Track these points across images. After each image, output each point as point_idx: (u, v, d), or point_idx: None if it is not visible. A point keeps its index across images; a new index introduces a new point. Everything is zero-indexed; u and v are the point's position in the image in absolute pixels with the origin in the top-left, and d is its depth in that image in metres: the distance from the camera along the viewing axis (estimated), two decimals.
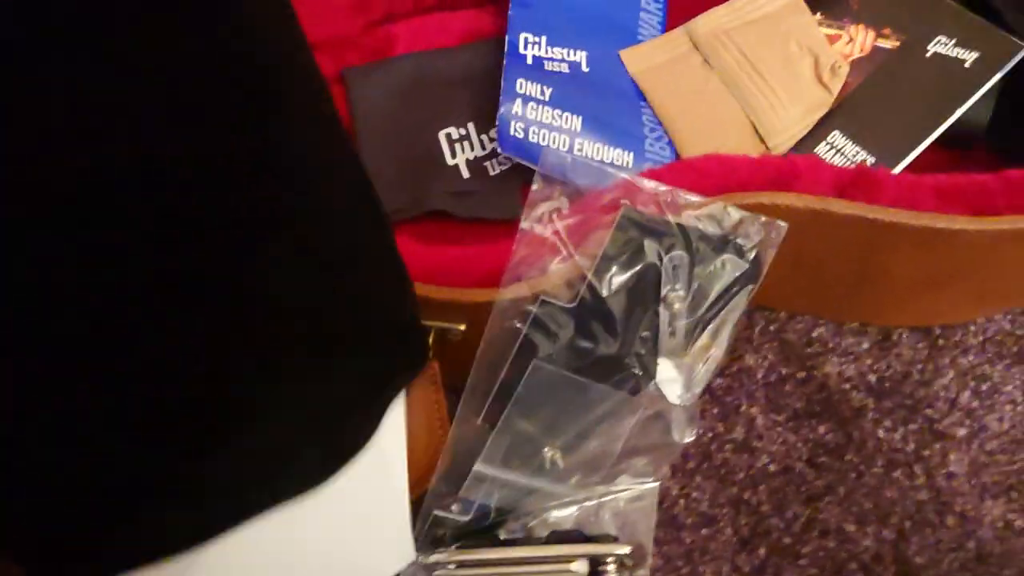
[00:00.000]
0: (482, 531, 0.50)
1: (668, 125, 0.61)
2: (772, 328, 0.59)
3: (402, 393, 0.42)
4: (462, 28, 0.65)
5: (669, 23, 0.67)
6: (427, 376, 0.49)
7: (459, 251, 0.52)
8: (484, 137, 0.60)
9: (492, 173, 0.59)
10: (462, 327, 0.48)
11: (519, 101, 0.57)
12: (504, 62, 0.59)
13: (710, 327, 0.48)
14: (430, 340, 0.48)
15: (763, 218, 0.46)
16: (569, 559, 0.48)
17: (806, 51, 0.60)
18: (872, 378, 0.57)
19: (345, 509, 0.39)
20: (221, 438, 0.32)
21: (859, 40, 0.61)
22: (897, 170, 0.54)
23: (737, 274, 0.47)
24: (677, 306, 0.46)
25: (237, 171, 0.30)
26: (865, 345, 0.58)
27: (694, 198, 0.46)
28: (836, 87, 0.59)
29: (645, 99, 0.62)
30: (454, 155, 0.59)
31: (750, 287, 0.47)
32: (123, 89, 0.26)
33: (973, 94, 0.54)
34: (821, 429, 0.55)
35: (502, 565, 0.48)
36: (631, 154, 0.59)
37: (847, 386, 0.57)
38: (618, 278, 0.45)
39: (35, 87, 0.25)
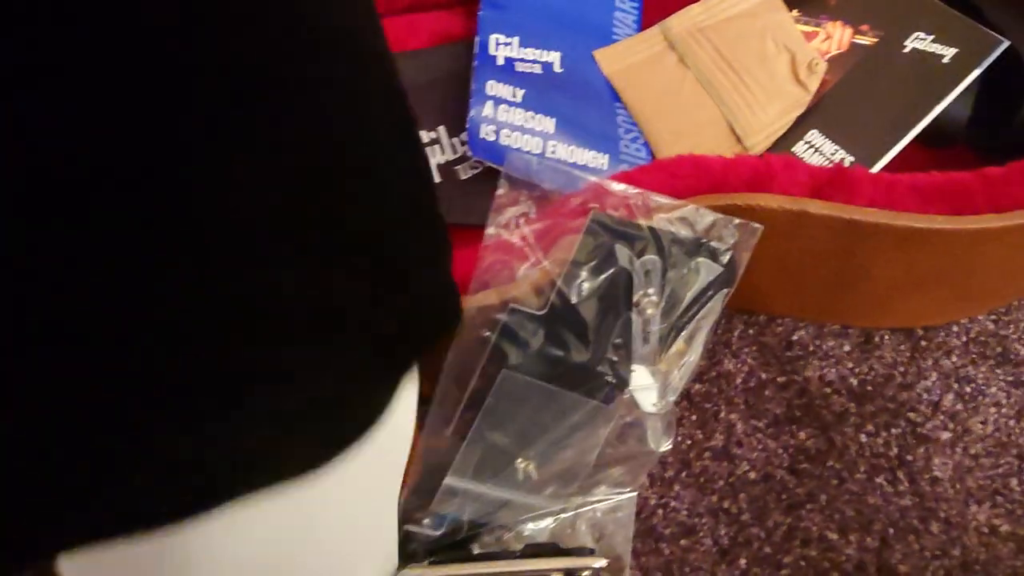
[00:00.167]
0: (455, 545, 0.49)
1: (644, 126, 0.60)
2: (751, 331, 0.57)
3: (414, 379, 0.39)
4: (432, 30, 0.64)
5: (645, 22, 0.66)
6: None
7: None
8: (455, 140, 0.59)
9: (463, 177, 0.58)
10: None
11: (490, 103, 0.56)
12: (474, 64, 0.57)
13: (684, 332, 0.47)
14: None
15: (737, 220, 0.45)
16: (544, 573, 0.47)
17: (783, 49, 0.59)
18: (854, 381, 0.56)
19: (341, 500, 0.37)
20: (216, 410, 0.30)
21: (836, 37, 0.59)
22: (876, 168, 0.53)
23: (711, 278, 0.46)
24: (650, 311, 0.45)
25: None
26: (846, 348, 0.57)
27: (666, 200, 0.45)
28: (813, 85, 0.57)
29: (620, 99, 0.61)
30: None
31: (725, 291, 0.46)
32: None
33: (952, 90, 0.53)
34: (802, 435, 0.54)
35: None
36: (606, 156, 0.57)
37: (828, 390, 0.55)
38: (588, 284, 0.44)
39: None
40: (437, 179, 0.57)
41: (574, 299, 0.44)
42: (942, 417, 0.55)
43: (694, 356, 0.47)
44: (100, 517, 0.30)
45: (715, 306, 0.46)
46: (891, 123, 0.54)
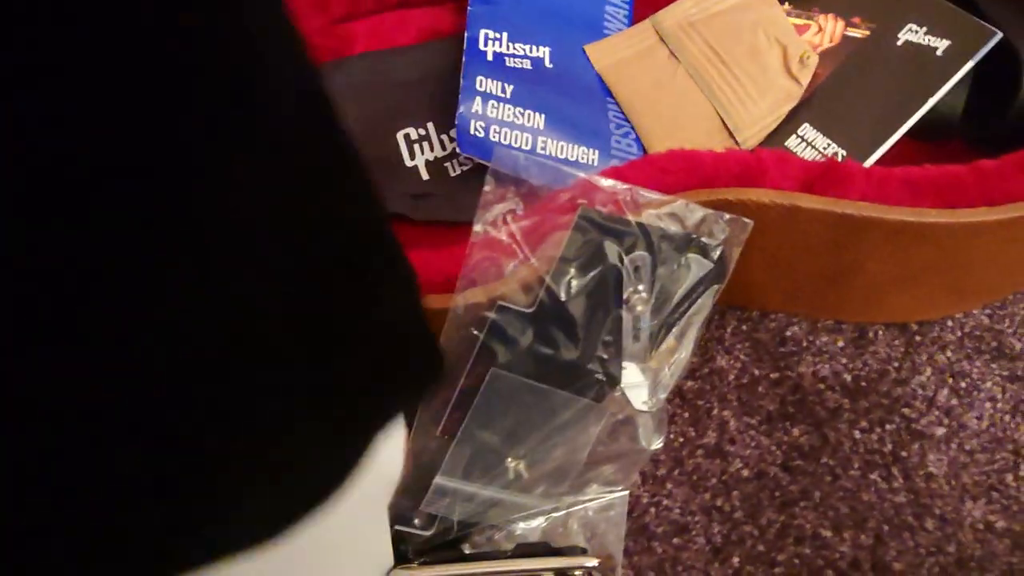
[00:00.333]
0: (446, 545, 0.48)
1: (635, 121, 0.59)
2: (744, 328, 0.57)
3: (400, 424, 0.38)
4: (421, 26, 0.63)
5: (636, 16, 0.65)
6: None
7: (417, 256, 0.50)
8: (444, 137, 0.58)
9: (453, 174, 0.57)
10: None
11: (479, 99, 0.55)
12: (463, 59, 0.57)
13: (675, 329, 0.46)
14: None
15: (727, 216, 0.45)
16: (536, 573, 0.47)
17: (774, 42, 0.58)
18: (847, 377, 0.55)
19: (326, 544, 0.36)
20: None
21: (828, 30, 0.59)
22: (869, 162, 0.52)
23: (702, 274, 0.45)
24: (640, 308, 0.45)
25: None
26: (840, 343, 0.56)
27: (655, 196, 0.44)
28: (805, 78, 0.57)
29: (611, 94, 0.60)
30: (413, 156, 0.58)
31: (716, 287, 0.46)
32: None
33: (945, 83, 0.52)
34: (796, 431, 0.53)
35: None
36: (596, 151, 0.57)
37: (822, 386, 0.55)
38: (577, 281, 0.44)
39: None
40: (426, 176, 0.57)
41: (563, 296, 0.43)
42: (937, 413, 0.54)
43: (685, 353, 0.46)
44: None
45: (706, 302, 0.46)
46: (884, 116, 0.53)
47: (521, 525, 0.49)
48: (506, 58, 0.59)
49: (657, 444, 0.48)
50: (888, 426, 0.54)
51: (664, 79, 0.60)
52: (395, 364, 0.36)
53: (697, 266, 0.45)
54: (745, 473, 0.52)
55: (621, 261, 0.44)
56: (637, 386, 0.46)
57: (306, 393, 0.31)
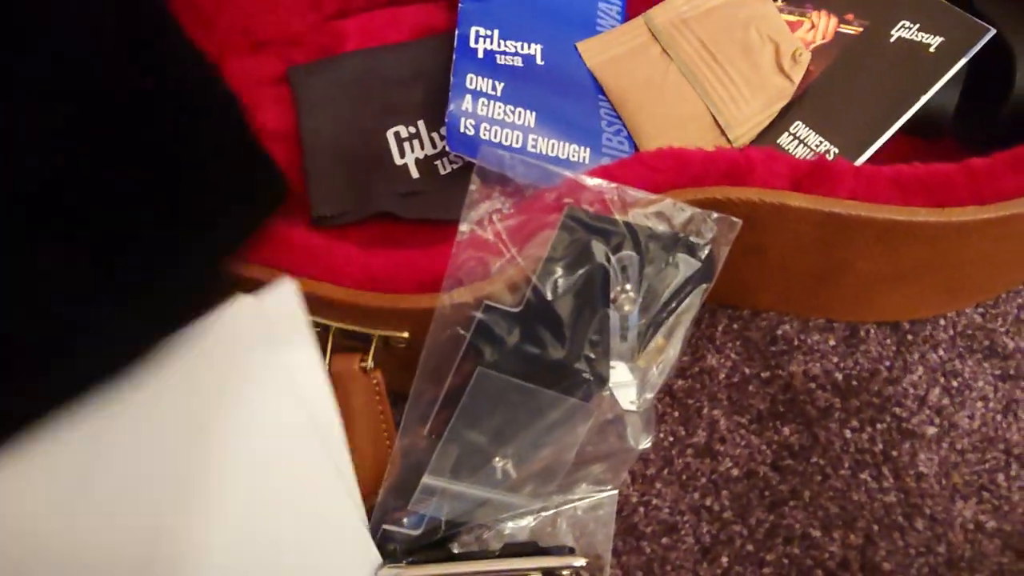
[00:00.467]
0: (434, 545, 0.48)
1: (627, 118, 0.59)
2: (735, 326, 0.57)
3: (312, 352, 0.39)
4: (413, 23, 0.63)
5: (630, 13, 0.65)
6: (370, 386, 0.47)
7: (406, 255, 0.49)
8: (435, 135, 0.58)
9: (443, 172, 0.57)
10: (405, 335, 0.46)
11: (469, 97, 0.55)
12: (454, 57, 0.57)
13: (663, 328, 0.46)
14: (373, 343, 0.46)
15: (715, 214, 0.44)
16: (524, 572, 0.47)
17: (766, 39, 0.58)
18: (839, 376, 0.55)
19: (290, 501, 0.37)
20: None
21: (821, 26, 0.59)
22: (861, 160, 0.52)
23: (690, 273, 0.45)
24: (627, 308, 0.44)
25: None
26: (831, 342, 0.56)
27: (642, 195, 0.44)
28: (798, 76, 0.57)
29: (603, 92, 0.60)
30: (403, 154, 0.57)
31: (704, 286, 0.45)
32: None
33: (938, 80, 0.52)
34: (786, 431, 0.53)
35: None
36: (588, 149, 0.57)
37: (813, 385, 0.55)
38: (564, 280, 0.43)
39: None
40: (416, 174, 0.57)
41: (550, 296, 0.43)
42: (928, 412, 0.54)
43: (673, 352, 0.46)
44: None
45: (694, 301, 0.46)
46: (877, 114, 0.53)
47: (509, 524, 0.49)
48: (497, 55, 0.58)
49: (645, 444, 0.47)
50: (879, 425, 0.54)
51: (656, 76, 0.59)
52: (230, 179, 0.38)
53: (685, 265, 0.45)
54: (735, 472, 0.52)
55: (608, 260, 0.44)
56: (625, 385, 0.46)
57: (149, 204, 0.33)
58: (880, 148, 0.52)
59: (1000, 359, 0.56)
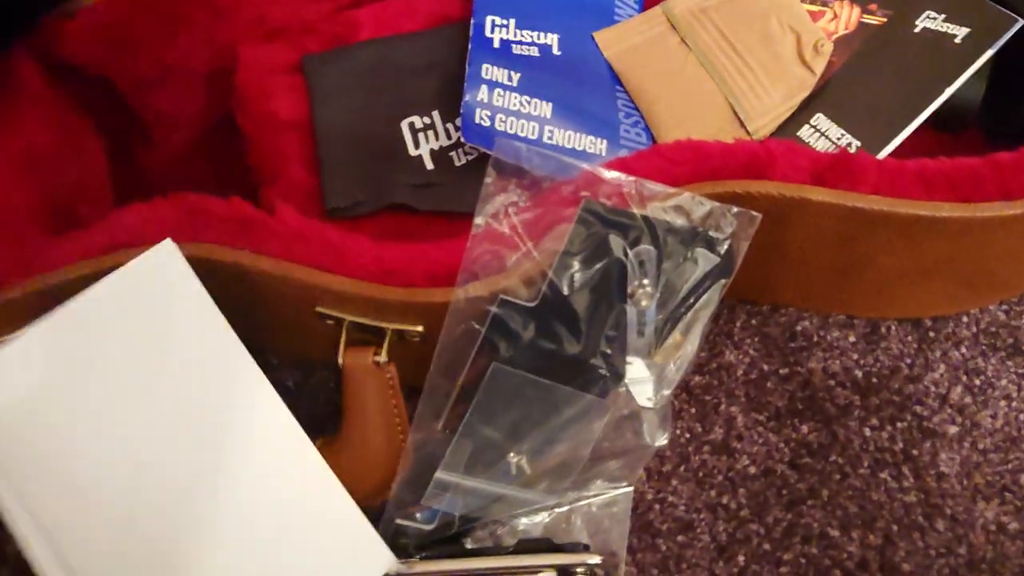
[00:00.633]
0: (447, 540, 0.48)
1: (644, 110, 0.58)
2: (754, 322, 0.56)
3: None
4: (428, 12, 0.62)
5: (648, 2, 0.64)
6: (384, 380, 0.47)
7: (420, 248, 0.49)
8: (450, 126, 0.57)
9: (458, 164, 0.56)
10: (419, 328, 0.45)
11: (484, 87, 0.54)
12: (469, 46, 0.56)
13: (681, 324, 0.45)
14: (387, 337, 0.45)
15: (735, 209, 0.44)
16: (538, 569, 0.46)
17: (787, 29, 0.57)
18: (858, 373, 0.54)
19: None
20: None
21: (844, 16, 0.58)
22: (884, 153, 0.51)
23: (708, 268, 0.44)
24: (645, 303, 0.44)
25: None
26: (852, 338, 0.55)
27: (660, 188, 0.43)
28: (819, 67, 0.56)
29: (620, 82, 0.59)
30: (417, 145, 0.57)
31: (723, 281, 0.45)
32: None
33: (964, 72, 0.51)
34: (804, 428, 0.53)
35: None
36: (605, 141, 0.56)
37: (832, 382, 0.54)
38: (581, 275, 0.43)
39: None
40: (430, 166, 0.56)
41: (566, 290, 0.43)
42: (950, 410, 0.53)
43: (691, 348, 0.46)
44: None
45: (712, 297, 0.45)
46: (900, 106, 0.52)
47: (524, 521, 0.49)
48: (513, 45, 0.57)
49: (662, 440, 0.47)
50: (899, 424, 0.53)
51: (675, 67, 0.58)
52: None
53: (704, 260, 0.44)
54: (752, 470, 0.52)
55: (625, 255, 0.43)
56: (642, 381, 0.45)
57: None
58: (903, 141, 0.51)
59: None
